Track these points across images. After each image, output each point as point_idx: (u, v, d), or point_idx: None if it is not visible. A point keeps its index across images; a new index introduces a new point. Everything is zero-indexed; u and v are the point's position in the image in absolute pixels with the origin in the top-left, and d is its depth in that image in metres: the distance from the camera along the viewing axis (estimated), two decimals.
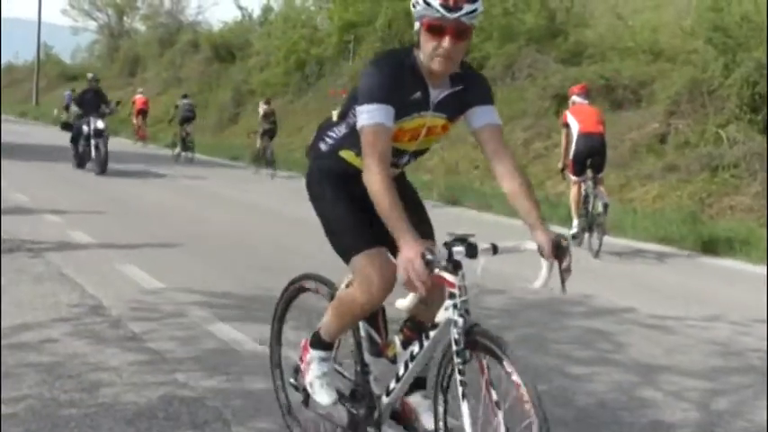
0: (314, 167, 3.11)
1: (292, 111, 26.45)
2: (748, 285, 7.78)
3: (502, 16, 20.25)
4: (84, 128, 16.12)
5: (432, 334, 2.76)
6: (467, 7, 2.64)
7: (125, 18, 53.16)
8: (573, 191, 9.49)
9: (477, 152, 14.21)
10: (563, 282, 2.72)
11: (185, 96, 22.66)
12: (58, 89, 42.41)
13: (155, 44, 42.97)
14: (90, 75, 18.13)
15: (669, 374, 4.73)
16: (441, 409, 2.76)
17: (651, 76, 16.58)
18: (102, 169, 15.53)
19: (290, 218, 10.97)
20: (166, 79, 37.69)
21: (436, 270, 2.55)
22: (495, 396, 2.53)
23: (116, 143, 19.95)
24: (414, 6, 2.72)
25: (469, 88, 2.87)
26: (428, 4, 2.65)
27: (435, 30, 2.67)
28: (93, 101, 16.53)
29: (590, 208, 9.20)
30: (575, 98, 9.63)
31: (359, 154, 2.81)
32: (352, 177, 2.87)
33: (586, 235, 9.24)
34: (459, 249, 2.60)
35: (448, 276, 2.61)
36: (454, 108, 2.88)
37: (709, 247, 9.68)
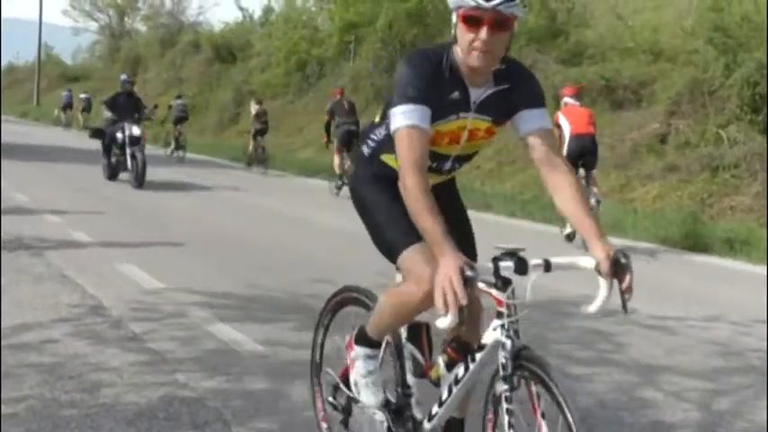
0: (358, 174, 2.91)
1: (293, 111, 26.48)
2: (748, 285, 7.78)
3: None
4: (119, 135, 14.16)
5: (478, 356, 2.52)
6: None
7: (126, 18, 53.13)
8: None
9: None
10: (624, 304, 2.49)
11: (179, 97, 23.28)
12: (59, 90, 42.39)
13: (156, 45, 42.96)
14: (123, 76, 16.81)
15: (669, 375, 4.72)
16: None
17: (651, 76, 16.57)
18: (140, 182, 13.64)
19: (290, 218, 10.97)
20: (167, 80, 37.70)
21: (482, 285, 2.34)
22: (545, 430, 2.32)
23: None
24: None
25: (516, 87, 2.62)
26: None
27: (471, 21, 2.44)
28: (127, 104, 14.72)
29: None
30: (566, 99, 9.93)
31: None
32: (395, 182, 2.59)
33: None
34: (507, 265, 2.35)
35: (496, 293, 2.37)
36: (499, 110, 2.64)
37: (710, 247, 9.68)
